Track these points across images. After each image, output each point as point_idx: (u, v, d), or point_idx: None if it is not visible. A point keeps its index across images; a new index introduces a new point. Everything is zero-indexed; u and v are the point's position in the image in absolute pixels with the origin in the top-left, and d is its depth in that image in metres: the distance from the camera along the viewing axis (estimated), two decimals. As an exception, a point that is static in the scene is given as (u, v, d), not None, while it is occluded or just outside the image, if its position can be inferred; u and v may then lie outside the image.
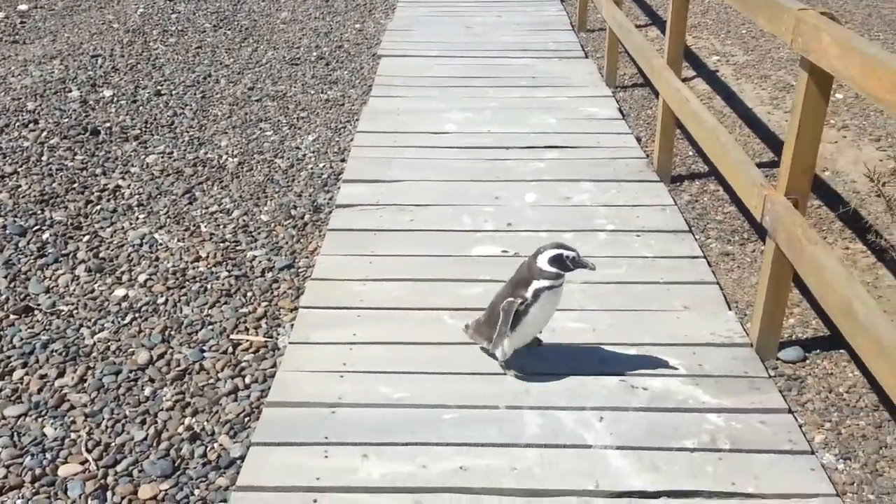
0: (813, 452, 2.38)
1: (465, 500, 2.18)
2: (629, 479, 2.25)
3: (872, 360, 2.00)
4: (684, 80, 5.57)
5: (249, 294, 3.23)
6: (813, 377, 2.77)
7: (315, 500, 2.18)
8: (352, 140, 4.63)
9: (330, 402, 2.53)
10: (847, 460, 2.41)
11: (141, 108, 5.10)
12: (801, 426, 2.50)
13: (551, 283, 2.53)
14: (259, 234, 3.69)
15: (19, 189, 3.96)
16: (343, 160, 4.41)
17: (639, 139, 4.66)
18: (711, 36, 6.39)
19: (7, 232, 3.58)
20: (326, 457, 2.31)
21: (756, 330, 2.83)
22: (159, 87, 5.44)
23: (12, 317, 3.05)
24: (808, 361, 2.84)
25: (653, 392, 2.59)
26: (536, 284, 2.52)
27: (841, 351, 2.86)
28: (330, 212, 3.84)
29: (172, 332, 2.98)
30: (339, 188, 4.05)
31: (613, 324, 2.94)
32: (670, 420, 2.48)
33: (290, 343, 2.83)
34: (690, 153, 4.57)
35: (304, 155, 4.52)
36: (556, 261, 2.52)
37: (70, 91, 5.20)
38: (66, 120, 4.74)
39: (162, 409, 2.60)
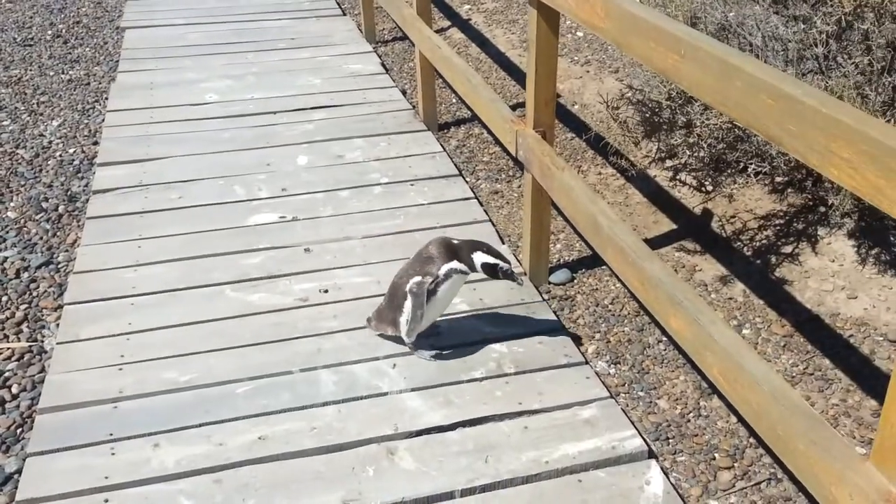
0: (587, 362, 2.59)
1: (267, 469, 2.15)
2: (426, 417, 2.33)
3: (619, 268, 2.20)
4: (440, 30, 5.73)
5: (4, 298, 2.93)
6: (581, 294, 3.01)
7: (106, 500, 2.05)
8: (103, 121, 4.29)
9: (110, 397, 2.38)
10: (617, 364, 2.66)
11: None
12: (574, 341, 2.71)
13: (466, 270, 2.47)
14: (7, 233, 3.34)
15: None
16: (96, 143, 4.09)
17: (404, 92, 4.73)
18: (462, -14, 6.57)
19: None
20: (113, 454, 2.18)
21: (527, 259, 3.01)
22: None
23: None
24: (575, 281, 3.07)
25: (440, 331, 2.69)
26: (453, 266, 2.45)
27: (602, 267, 3.13)
28: (87, 199, 3.56)
29: (-86, 355, 2.65)
30: (94, 173, 3.75)
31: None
32: (459, 354, 2.59)
33: (58, 343, 2.61)
34: (454, 101, 4.72)
35: (51, 142, 4.13)
36: (490, 269, 2.46)
37: None
38: None
39: (-87, 440, 2.32)
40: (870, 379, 2.48)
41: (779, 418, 1.58)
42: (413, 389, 2.44)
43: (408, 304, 2.46)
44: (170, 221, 3.32)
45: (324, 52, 5.20)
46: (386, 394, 2.42)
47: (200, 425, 2.28)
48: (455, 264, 2.46)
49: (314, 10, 6.10)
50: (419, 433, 2.28)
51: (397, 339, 2.60)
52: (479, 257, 2.47)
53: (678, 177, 3.45)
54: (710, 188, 3.21)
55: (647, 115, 3.14)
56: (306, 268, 3.03)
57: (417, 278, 2.45)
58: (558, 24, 2.65)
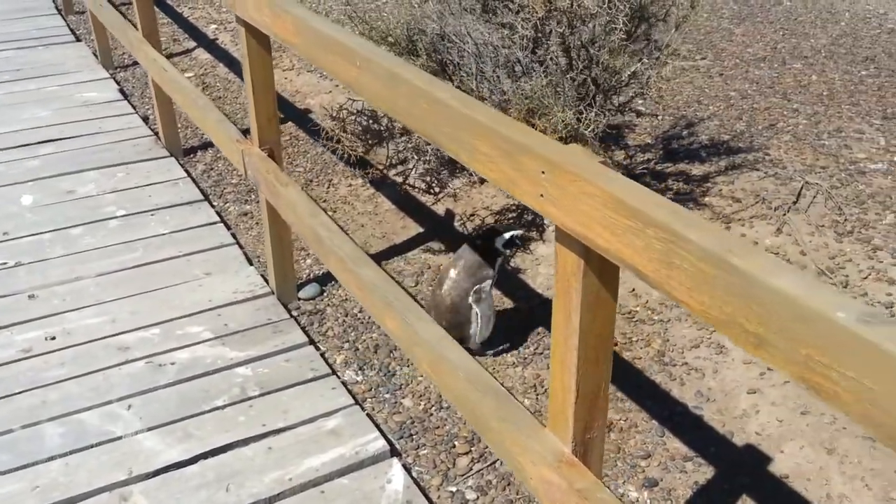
0: (335, 373, 2.60)
1: (-22, 542, 1.97)
2: (163, 455, 2.23)
3: (341, 276, 2.25)
4: (186, 51, 5.56)
5: None
6: (331, 307, 3.02)
7: None
8: None
9: None
10: (364, 371, 2.70)
11: None
12: (323, 354, 2.72)
13: (504, 258, 2.68)
14: None
15: None
16: None
17: (146, 118, 4.53)
18: (207, 5, 6.42)
19: None
20: None
21: (273, 278, 2.98)
22: None
23: None
24: (325, 294, 3.09)
25: (181, 364, 2.60)
26: (499, 261, 2.61)
27: (351, 277, 3.16)
28: None
29: None
30: None
31: (134, 309, 2.86)
32: (201, 385, 2.51)
33: None
34: (201, 124, 4.59)
35: None
36: (511, 243, 2.62)
37: None
38: None
39: None
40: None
41: (476, 401, 1.68)
42: (150, 429, 2.33)
43: (477, 313, 2.56)
44: None
45: (54, 82, 4.87)
46: (120, 438, 2.30)
47: None
48: (499, 260, 2.62)
49: (44, 37, 5.69)
50: (156, 473, 2.18)
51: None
52: (499, 241, 2.60)
53: (408, 181, 3.57)
54: (437, 190, 3.35)
55: (368, 124, 3.22)
56: (30, 315, 2.81)
57: (476, 286, 2.55)
58: (269, 42, 2.65)
